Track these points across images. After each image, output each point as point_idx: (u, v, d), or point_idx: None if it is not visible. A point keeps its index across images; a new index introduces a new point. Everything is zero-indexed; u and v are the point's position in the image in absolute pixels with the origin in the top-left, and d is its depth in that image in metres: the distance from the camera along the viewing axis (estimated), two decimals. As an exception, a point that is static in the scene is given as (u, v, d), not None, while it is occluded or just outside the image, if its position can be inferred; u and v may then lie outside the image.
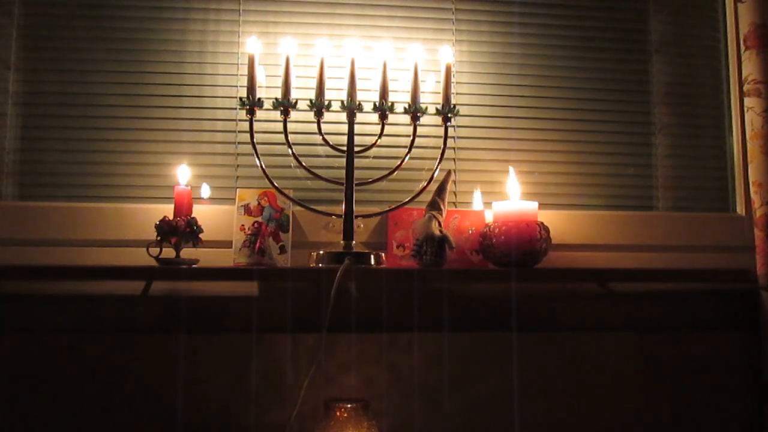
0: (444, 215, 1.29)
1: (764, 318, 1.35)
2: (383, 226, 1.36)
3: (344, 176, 1.29)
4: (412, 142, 1.32)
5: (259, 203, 1.31)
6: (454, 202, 1.43)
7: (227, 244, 1.29)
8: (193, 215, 1.24)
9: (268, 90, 1.34)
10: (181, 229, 1.21)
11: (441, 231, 1.25)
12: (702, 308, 1.43)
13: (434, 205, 1.29)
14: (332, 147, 1.31)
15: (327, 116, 1.30)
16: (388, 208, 1.33)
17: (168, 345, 1.27)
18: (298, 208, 1.32)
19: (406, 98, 1.31)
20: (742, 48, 1.43)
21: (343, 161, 1.30)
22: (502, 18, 1.51)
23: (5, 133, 1.37)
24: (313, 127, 1.31)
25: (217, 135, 1.42)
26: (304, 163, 1.31)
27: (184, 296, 1.29)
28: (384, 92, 1.29)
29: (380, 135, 1.32)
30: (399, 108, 1.31)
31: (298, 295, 1.30)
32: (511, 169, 1.37)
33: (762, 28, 1.39)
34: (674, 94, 1.55)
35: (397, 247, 1.34)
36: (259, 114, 1.30)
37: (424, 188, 1.32)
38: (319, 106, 1.28)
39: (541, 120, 1.49)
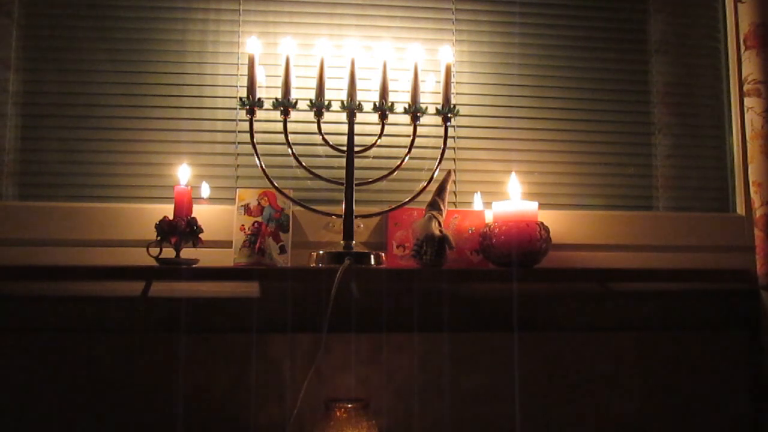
0: (444, 215, 1.29)
1: (764, 318, 1.35)
2: (383, 226, 1.36)
3: (344, 176, 1.29)
4: (412, 142, 1.32)
5: (259, 203, 1.31)
6: (454, 202, 1.43)
7: (227, 244, 1.29)
8: (193, 215, 1.24)
9: (268, 90, 1.34)
10: (181, 229, 1.21)
11: (441, 231, 1.25)
12: (702, 308, 1.42)
13: (434, 205, 1.29)
14: (332, 147, 1.31)
15: (327, 116, 1.30)
16: (388, 208, 1.33)
17: (168, 345, 1.27)
18: (298, 208, 1.32)
19: (406, 98, 1.31)
20: (742, 48, 1.43)
21: (343, 161, 1.30)
22: (502, 18, 1.51)
23: (5, 133, 1.37)
24: (313, 127, 1.31)
25: (217, 135, 1.42)
26: (304, 163, 1.31)
27: (184, 296, 1.29)
28: (384, 92, 1.29)
29: (380, 135, 1.32)
30: (399, 108, 1.32)
31: (298, 295, 1.30)
32: (513, 175, 1.36)
33: (762, 28, 1.39)
34: (674, 94, 1.55)
35: (397, 247, 1.34)
36: (259, 114, 1.30)
37: (424, 188, 1.32)
38: (319, 106, 1.28)
39: (541, 120, 1.49)
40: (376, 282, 1.29)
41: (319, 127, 1.29)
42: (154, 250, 1.20)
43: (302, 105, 1.28)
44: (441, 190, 1.31)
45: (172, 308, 1.29)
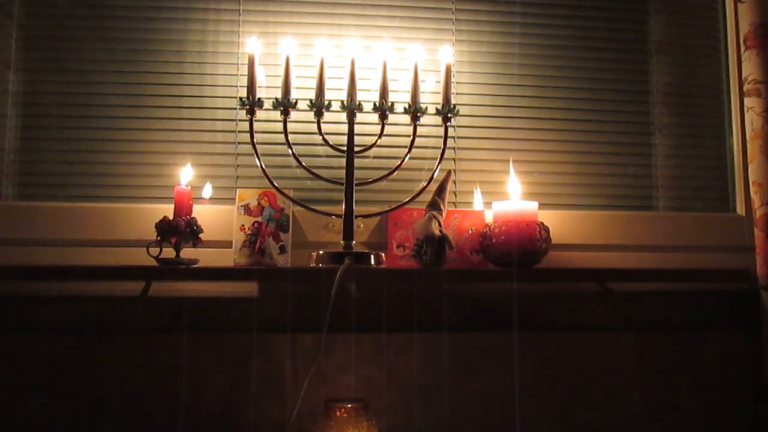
0: (444, 215, 1.29)
1: (764, 318, 1.35)
2: (383, 226, 1.36)
3: (344, 176, 1.29)
4: (412, 142, 1.32)
5: (259, 203, 1.31)
6: (454, 202, 1.43)
7: (227, 244, 1.29)
8: (193, 215, 1.24)
9: (268, 90, 1.34)
10: (181, 229, 1.21)
11: (441, 231, 1.25)
12: (702, 308, 1.42)
13: (434, 205, 1.29)
14: (332, 147, 1.31)
15: (327, 116, 1.30)
16: (388, 208, 1.33)
17: (168, 345, 1.27)
18: (298, 208, 1.32)
19: (406, 98, 1.31)
20: (742, 48, 1.43)
21: (343, 161, 1.30)
22: (502, 18, 1.51)
23: (5, 133, 1.37)
24: (313, 127, 1.31)
25: (217, 135, 1.42)
26: (304, 163, 1.31)
27: (184, 296, 1.29)
28: (384, 92, 1.29)
29: (380, 135, 1.32)
30: (399, 108, 1.32)
31: (298, 295, 1.30)
32: (511, 165, 1.36)
33: (762, 28, 1.39)
34: (674, 94, 1.55)
35: (397, 247, 1.34)
36: (259, 114, 1.30)
37: (424, 188, 1.32)
38: (319, 106, 1.28)
39: (541, 120, 1.49)
40: (376, 282, 1.29)
41: (319, 127, 1.29)
42: (154, 250, 1.20)
43: (302, 105, 1.28)
44: (441, 190, 1.31)
45: (172, 308, 1.29)
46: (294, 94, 1.28)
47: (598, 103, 1.52)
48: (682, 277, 1.39)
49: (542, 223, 1.28)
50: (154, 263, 1.20)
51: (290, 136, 1.29)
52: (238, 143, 1.41)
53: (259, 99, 1.27)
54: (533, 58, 1.51)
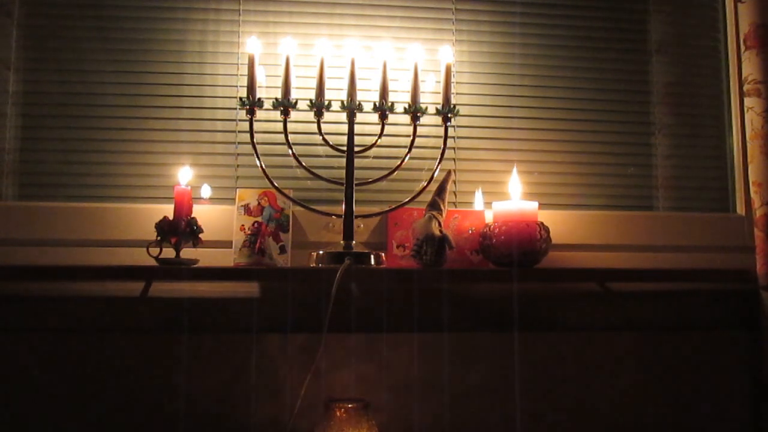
0: (444, 215, 1.29)
1: (764, 318, 1.35)
2: (383, 226, 1.36)
3: (344, 176, 1.29)
4: (412, 142, 1.32)
5: (259, 203, 1.31)
6: (454, 202, 1.43)
7: (227, 244, 1.29)
8: (193, 215, 1.24)
9: (268, 90, 1.34)
10: (181, 229, 1.21)
11: (441, 231, 1.25)
12: (702, 308, 1.42)
13: (434, 205, 1.29)
14: (332, 147, 1.31)
15: (327, 116, 1.30)
16: (388, 208, 1.33)
17: (167, 345, 1.27)
18: (298, 208, 1.32)
19: (406, 98, 1.31)
20: (742, 48, 1.43)
21: (343, 161, 1.30)
22: (502, 18, 1.51)
23: (5, 133, 1.37)
24: (313, 127, 1.31)
25: (217, 135, 1.42)
26: (304, 163, 1.31)
27: (184, 296, 1.29)
28: (384, 92, 1.29)
29: (380, 135, 1.32)
30: (399, 108, 1.32)
31: (298, 295, 1.30)
32: (515, 169, 1.36)
33: (762, 28, 1.39)
34: (674, 94, 1.55)
35: (397, 247, 1.34)
36: (259, 114, 1.30)
37: (424, 188, 1.32)
38: (319, 106, 1.28)
39: (541, 120, 1.49)
40: (376, 282, 1.29)
41: (319, 127, 1.29)
42: (154, 250, 1.20)
43: (302, 105, 1.28)
44: (441, 190, 1.31)
45: (172, 308, 1.29)
46: (294, 94, 1.28)
47: (599, 103, 1.52)
48: (682, 277, 1.39)
49: (542, 223, 1.28)
50: (154, 263, 1.20)
51: (290, 136, 1.29)
52: (238, 143, 1.41)
53: (259, 99, 1.27)
54: (533, 58, 1.51)
